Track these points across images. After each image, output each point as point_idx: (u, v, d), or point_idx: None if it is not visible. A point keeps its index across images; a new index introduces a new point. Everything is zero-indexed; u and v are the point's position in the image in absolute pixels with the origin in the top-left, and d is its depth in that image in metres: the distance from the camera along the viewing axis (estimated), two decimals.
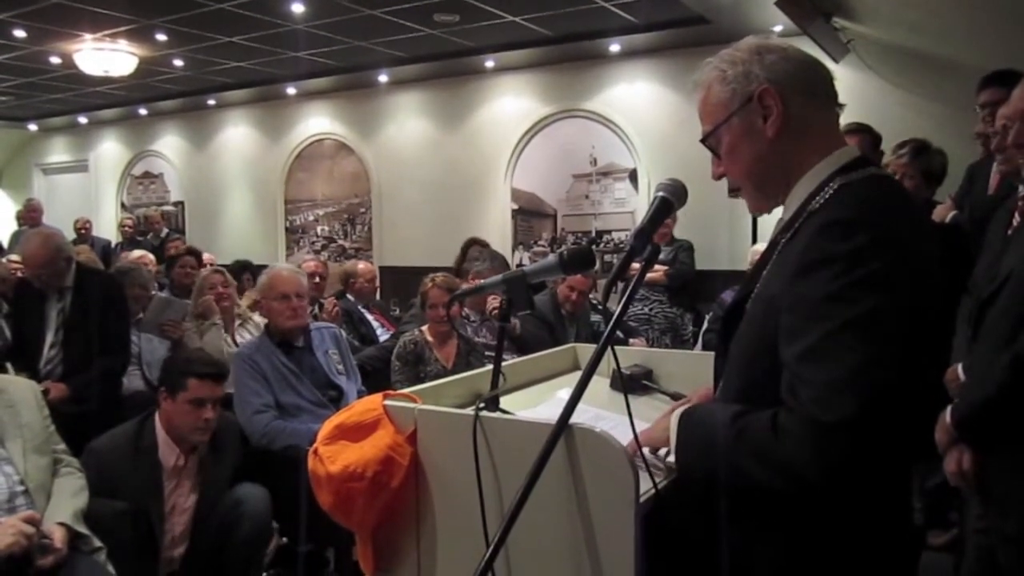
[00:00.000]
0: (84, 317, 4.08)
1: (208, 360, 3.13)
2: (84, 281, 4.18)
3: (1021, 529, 2.03)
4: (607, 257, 7.65)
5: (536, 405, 1.88)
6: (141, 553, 2.76)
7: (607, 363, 1.87)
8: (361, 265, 5.94)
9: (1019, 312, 2.04)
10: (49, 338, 4.06)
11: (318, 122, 9.54)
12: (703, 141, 1.48)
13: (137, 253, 6.63)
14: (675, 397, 1.97)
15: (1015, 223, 2.43)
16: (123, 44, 7.31)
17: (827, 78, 1.44)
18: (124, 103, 10.27)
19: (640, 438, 1.44)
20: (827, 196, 1.33)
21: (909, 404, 1.21)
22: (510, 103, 8.24)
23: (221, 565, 2.89)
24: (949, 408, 2.17)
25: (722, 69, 1.43)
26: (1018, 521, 2.04)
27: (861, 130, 3.75)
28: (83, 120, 11.28)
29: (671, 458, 1.42)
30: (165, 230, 9.17)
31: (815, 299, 1.21)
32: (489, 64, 8.00)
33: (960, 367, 2.29)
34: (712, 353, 1.54)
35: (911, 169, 3.52)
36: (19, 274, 4.93)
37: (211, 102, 10.05)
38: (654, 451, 1.48)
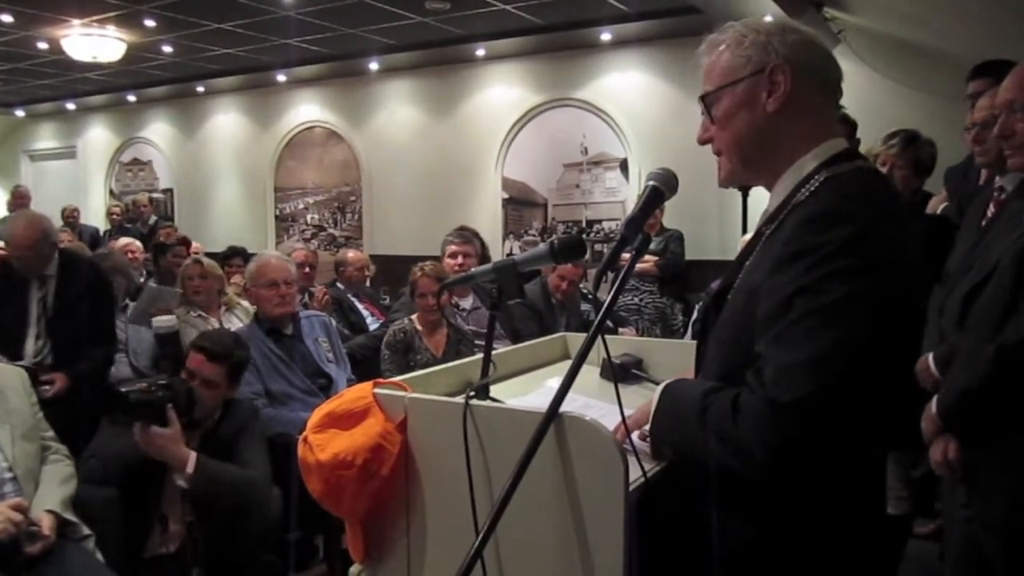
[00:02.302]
0: (69, 306, 3.97)
1: (208, 335, 3.07)
2: (68, 268, 4.04)
3: (1005, 518, 2.05)
4: (597, 247, 7.66)
5: (526, 394, 1.89)
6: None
7: (597, 352, 1.87)
8: (351, 253, 5.94)
9: (1004, 303, 2.05)
10: (32, 329, 3.93)
11: (308, 110, 9.50)
12: (702, 98, 1.47)
13: (124, 241, 6.60)
14: None
15: (990, 214, 2.45)
16: (111, 29, 7.26)
17: (838, 73, 1.45)
18: (112, 89, 10.20)
19: (629, 423, 1.45)
20: (812, 188, 1.35)
21: (874, 393, 1.23)
22: (501, 92, 8.22)
23: (222, 553, 2.84)
24: (935, 398, 2.19)
25: (743, 34, 1.43)
26: (1002, 510, 2.06)
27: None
28: (71, 106, 11.20)
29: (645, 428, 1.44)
30: (153, 217, 9.11)
31: (790, 289, 1.23)
32: (480, 52, 7.97)
33: (931, 356, 2.31)
34: None
35: (901, 159, 3.54)
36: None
37: (200, 89, 9.99)
38: (644, 437, 1.48)
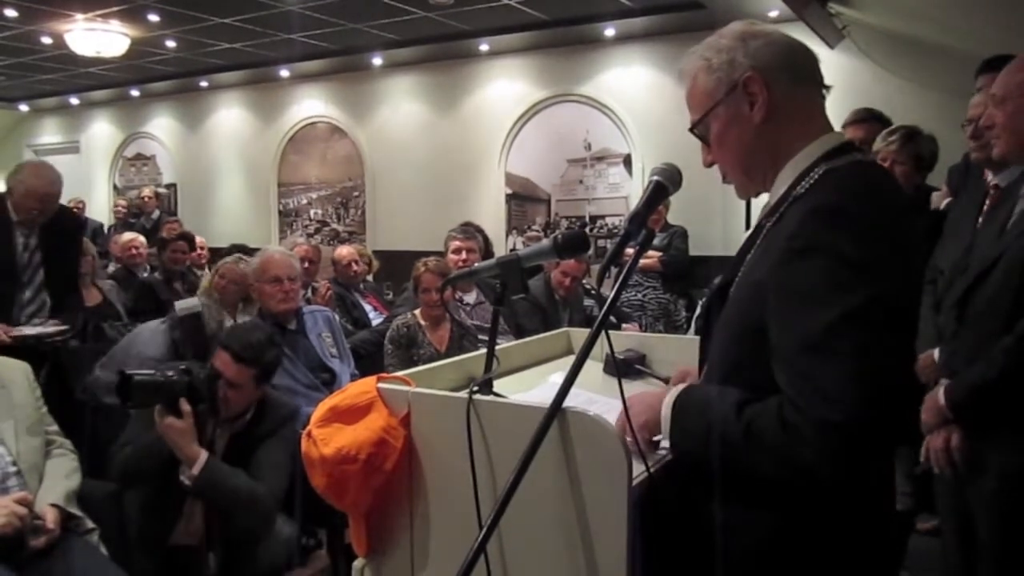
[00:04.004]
0: (56, 254, 3.92)
1: (239, 333, 2.93)
2: (54, 215, 4.03)
3: (995, 493, 2.10)
4: (601, 242, 7.66)
5: (529, 389, 1.89)
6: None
7: (600, 347, 1.87)
8: (341, 250, 5.85)
9: (1016, 295, 2.05)
10: (26, 279, 3.87)
11: (311, 105, 9.50)
12: (692, 130, 1.49)
13: (128, 236, 6.61)
14: (667, 382, 1.98)
15: (986, 210, 2.45)
16: (115, 24, 7.26)
17: (812, 62, 1.45)
18: (116, 84, 10.21)
19: (635, 424, 1.43)
20: (812, 181, 1.35)
21: (907, 392, 1.23)
22: (504, 87, 8.21)
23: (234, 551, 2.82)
24: (942, 389, 2.19)
25: (707, 58, 1.44)
26: (992, 486, 2.10)
27: (872, 118, 3.80)
28: (75, 101, 11.21)
29: (665, 442, 1.41)
30: (157, 212, 9.10)
31: (808, 287, 1.22)
32: (484, 48, 7.97)
33: (936, 352, 2.31)
34: None
35: (901, 155, 3.53)
36: None
37: (204, 84, 9.99)
38: (652, 442, 1.48)
